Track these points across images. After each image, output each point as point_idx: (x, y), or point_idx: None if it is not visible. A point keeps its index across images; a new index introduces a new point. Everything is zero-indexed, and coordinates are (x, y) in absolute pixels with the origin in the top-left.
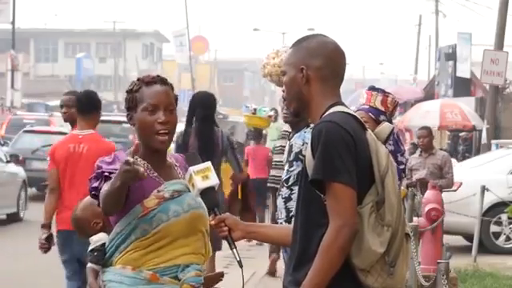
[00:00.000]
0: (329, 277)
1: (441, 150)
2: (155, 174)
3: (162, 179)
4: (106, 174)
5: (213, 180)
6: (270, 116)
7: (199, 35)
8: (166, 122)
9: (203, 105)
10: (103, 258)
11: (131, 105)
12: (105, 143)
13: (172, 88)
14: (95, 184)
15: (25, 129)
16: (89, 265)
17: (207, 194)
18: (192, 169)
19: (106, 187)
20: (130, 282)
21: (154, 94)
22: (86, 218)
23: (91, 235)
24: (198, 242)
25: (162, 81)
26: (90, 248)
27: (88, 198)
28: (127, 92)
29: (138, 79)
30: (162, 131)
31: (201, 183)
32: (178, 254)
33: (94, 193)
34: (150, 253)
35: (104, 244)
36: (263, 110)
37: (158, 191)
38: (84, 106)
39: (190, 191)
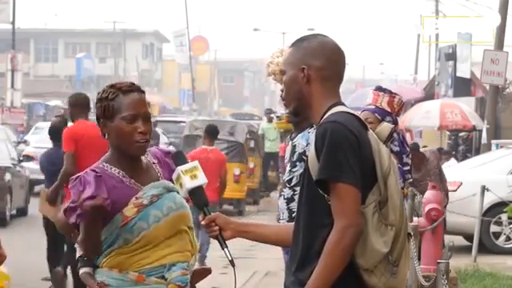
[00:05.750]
0: (334, 277)
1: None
2: (132, 181)
3: (140, 185)
4: (79, 213)
5: (201, 179)
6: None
7: (199, 35)
8: (145, 132)
9: None
10: (93, 261)
11: (107, 113)
12: (221, 155)
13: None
14: (73, 220)
15: None
16: (82, 270)
17: (196, 193)
18: (180, 168)
19: (81, 236)
20: (116, 284)
21: (133, 103)
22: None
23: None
24: (182, 240)
25: (139, 89)
26: (78, 255)
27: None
28: (101, 99)
29: (113, 86)
30: (141, 140)
31: (189, 183)
32: (163, 255)
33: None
34: (135, 255)
35: None
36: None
37: (137, 198)
38: (213, 135)
39: (168, 192)
